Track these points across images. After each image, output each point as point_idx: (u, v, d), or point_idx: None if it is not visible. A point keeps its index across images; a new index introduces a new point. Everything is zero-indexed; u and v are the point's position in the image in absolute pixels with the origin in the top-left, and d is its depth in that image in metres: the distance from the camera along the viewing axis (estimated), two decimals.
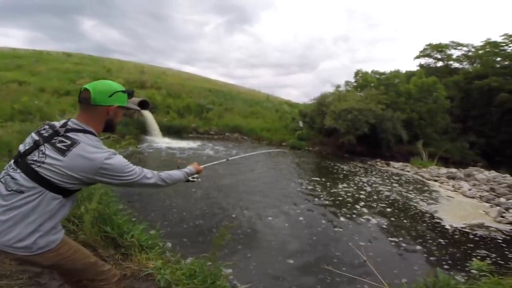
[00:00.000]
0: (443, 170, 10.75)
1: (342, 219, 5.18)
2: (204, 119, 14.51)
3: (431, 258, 4.04)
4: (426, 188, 8.66)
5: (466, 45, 19.47)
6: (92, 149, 1.12)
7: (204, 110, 14.96)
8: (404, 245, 4.40)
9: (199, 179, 1.68)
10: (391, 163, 12.38)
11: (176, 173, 1.48)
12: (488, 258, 4.05)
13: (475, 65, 18.69)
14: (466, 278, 2.64)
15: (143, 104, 11.65)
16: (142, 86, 15.08)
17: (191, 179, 1.64)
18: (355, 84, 16.25)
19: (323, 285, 3.01)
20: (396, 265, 3.71)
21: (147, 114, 11.76)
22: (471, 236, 4.94)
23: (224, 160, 2.18)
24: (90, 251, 2.44)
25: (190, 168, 1.62)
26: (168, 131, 12.46)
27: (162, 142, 10.94)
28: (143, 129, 11.69)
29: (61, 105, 10.17)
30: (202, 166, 1.70)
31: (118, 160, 1.18)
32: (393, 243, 4.44)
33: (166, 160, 8.42)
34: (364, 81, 15.68)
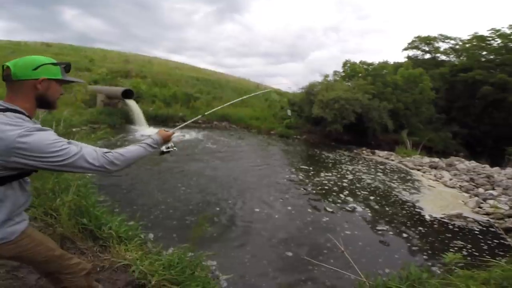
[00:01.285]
0: (426, 159, 11.05)
1: (327, 208, 5.27)
2: (191, 108, 14.29)
3: (411, 249, 4.17)
4: (409, 177, 8.90)
5: (454, 39, 19.87)
6: (4, 127, 0.99)
7: (191, 99, 14.71)
8: (384, 234, 4.53)
9: (175, 148, 1.46)
10: (377, 151, 12.63)
11: (133, 149, 1.25)
12: (464, 249, 4.20)
13: (461, 58, 19.12)
14: (442, 270, 2.72)
15: (127, 93, 11.38)
16: (126, 76, 14.65)
17: (165, 150, 1.42)
18: (343, 74, 16.31)
19: (303, 276, 3.06)
20: (375, 256, 3.81)
21: (131, 103, 11.45)
22: (450, 227, 5.08)
23: (200, 116, 2.05)
24: (69, 244, 2.41)
25: (154, 137, 1.37)
26: (154, 120, 12.22)
27: (147, 131, 10.72)
28: (128, 119, 11.42)
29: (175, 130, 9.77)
30: (172, 131, 1.47)
31: (39, 137, 1.01)
32: (374, 233, 4.56)
33: None
34: (352, 71, 15.76)
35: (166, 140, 1.42)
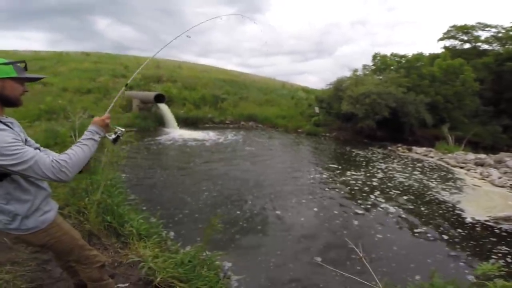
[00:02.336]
0: (471, 155, 10.03)
1: (356, 210, 4.99)
2: (219, 109, 14.64)
3: (447, 254, 3.80)
4: (450, 175, 8.16)
5: (495, 26, 17.84)
6: None
7: (219, 100, 15.06)
8: (420, 238, 4.18)
9: (123, 130, 1.41)
10: (414, 148, 11.77)
11: (77, 150, 1.20)
12: (509, 256, 3.74)
13: (506, 46, 17.13)
14: (477, 280, 2.45)
15: (159, 98, 12.02)
16: (158, 81, 15.45)
17: (114, 137, 1.38)
18: (374, 67, 15.47)
19: (320, 283, 2.92)
20: (408, 261, 3.54)
21: (163, 107, 12.06)
22: (496, 231, 4.54)
23: (181, 34, 1.97)
24: (95, 240, 2.61)
25: (90, 128, 1.30)
26: (185, 122, 12.74)
27: (179, 133, 11.20)
28: (161, 122, 12.02)
29: (83, 102, 10.71)
30: (105, 114, 1.37)
31: None
32: (408, 237, 4.24)
33: (181, 149, 8.62)
34: (383, 64, 14.88)
35: (104, 125, 1.34)
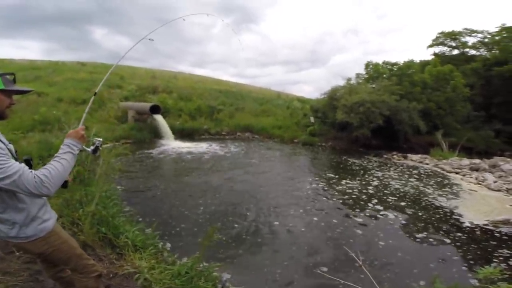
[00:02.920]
0: (466, 161, 10.15)
1: (355, 218, 4.97)
2: (215, 120, 14.64)
3: (449, 259, 3.79)
4: (446, 181, 8.21)
5: (481, 32, 18.53)
6: None
7: (215, 111, 15.09)
8: (420, 244, 4.17)
9: (100, 140, 1.41)
10: (409, 155, 11.88)
11: (56, 165, 1.19)
12: (511, 259, 3.74)
13: (493, 51, 17.70)
14: (480, 284, 2.43)
15: (155, 109, 12.01)
16: (154, 91, 15.46)
17: (92, 148, 1.37)
18: (366, 76, 15.75)
19: None
20: (411, 267, 3.52)
21: (159, 118, 12.03)
22: (495, 234, 4.56)
23: (143, 38, 1.98)
24: (89, 251, 2.54)
25: (66, 141, 1.28)
26: (181, 133, 12.68)
27: (175, 144, 11.14)
28: (156, 133, 11.96)
29: (78, 113, 10.60)
30: (79, 126, 1.36)
31: None
32: (409, 243, 4.22)
33: (176, 161, 8.56)
34: (375, 72, 15.17)
35: (79, 137, 1.32)
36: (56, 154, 1.25)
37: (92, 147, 1.41)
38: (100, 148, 1.45)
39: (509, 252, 3.95)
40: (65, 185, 1.42)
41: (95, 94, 1.73)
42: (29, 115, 9.14)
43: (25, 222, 1.25)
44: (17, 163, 1.12)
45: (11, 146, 1.27)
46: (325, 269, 3.29)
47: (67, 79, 14.38)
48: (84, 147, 1.37)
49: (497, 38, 17.24)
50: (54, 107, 10.61)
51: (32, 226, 1.28)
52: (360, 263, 2.09)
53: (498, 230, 4.73)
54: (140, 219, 3.96)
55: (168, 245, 3.24)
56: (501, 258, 3.76)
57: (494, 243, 4.26)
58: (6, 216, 1.22)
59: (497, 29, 17.30)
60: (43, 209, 1.34)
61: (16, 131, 7.10)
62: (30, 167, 1.31)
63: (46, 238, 1.33)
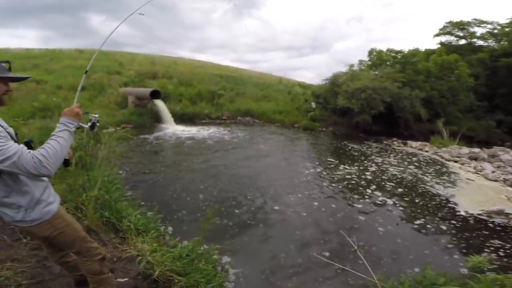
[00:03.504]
0: (465, 149, 10.17)
1: (354, 204, 5.07)
2: (216, 105, 14.58)
3: (442, 247, 3.89)
4: (444, 169, 8.28)
5: (491, 23, 18.02)
6: None
7: (215, 96, 14.99)
8: (415, 231, 4.27)
9: (96, 116, 1.42)
10: (409, 142, 11.91)
11: (53, 144, 1.19)
12: (501, 250, 3.83)
13: (501, 42, 17.30)
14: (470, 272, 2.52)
15: (155, 94, 11.92)
16: (154, 77, 15.28)
17: (90, 125, 1.39)
18: (370, 63, 15.51)
19: (318, 276, 2.97)
20: (406, 253, 3.62)
21: (159, 103, 11.97)
22: (489, 224, 4.65)
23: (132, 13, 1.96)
24: (93, 236, 2.62)
25: (62, 120, 1.28)
26: (182, 118, 12.66)
27: (175, 129, 11.17)
28: (157, 118, 11.95)
29: (78, 99, 10.56)
30: (74, 104, 1.36)
31: None
32: (404, 230, 4.32)
33: (177, 145, 8.61)
34: (378, 59, 14.93)
35: (74, 115, 1.32)
36: (52, 133, 1.24)
37: (89, 124, 1.42)
38: (98, 124, 1.46)
39: (500, 242, 4.04)
40: (66, 163, 1.45)
41: (86, 72, 1.73)
42: (29, 102, 9.10)
43: (30, 205, 1.27)
44: (16, 144, 1.13)
45: (10, 129, 1.29)
46: (324, 253, 3.40)
47: (65, 67, 14.15)
48: (80, 124, 1.38)
49: (507, 29, 16.85)
50: (53, 94, 10.54)
51: (37, 209, 1.30)
52: (356, 247, 2.16)
53: (491, 220, 4.81)
54: (142, 203, 4.04)
55: (170, 228, 3.33)
56: (492, 248, 3.85)
57: (487, 233, 4.35)
58: (11, 200, 1.24)
59: (507, 21, 16.89)
60: (47, 192, 1.36)
61: (16, 118, 7.10)
62: (31, 149, 1.34)
63: (51, 221, 1.35)
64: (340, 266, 2.49)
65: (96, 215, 2.63)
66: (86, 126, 1.43)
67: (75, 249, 1.51)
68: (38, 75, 12.29)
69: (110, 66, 15.22)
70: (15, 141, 1.26)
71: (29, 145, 1.35)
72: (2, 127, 1.20)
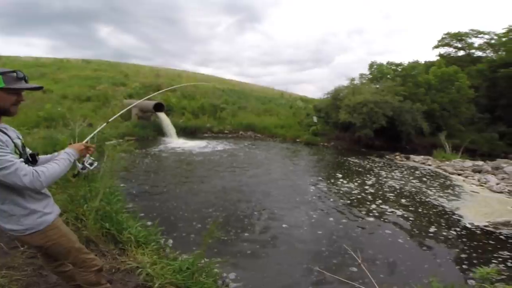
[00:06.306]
0: (468, 163, 10.09)
1: (357, 218, 4.99)
2: (218, 118, 14.70)
3: (446, 261, 3.79)
4: (448, 182, 8.18)
5: (488, 33, 18.32)
6: None
7: (218, 109, 15.15)
8: (421, 244, 4.18)
9: (95, 162, 1.49)
10: (411, 156, 11.84)
11: (53, 166, 1.28)
12: (510, 260, 3.74)
13: (499, 53, 17.50)
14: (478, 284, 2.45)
15: (158, 107, 12.08)
16: (158, 89, 15.53)
17: (80, 169, 1.45)
18: (370, 76, 15.70)
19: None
20: (406, 268, 3.53)
21: (162, 116, 12.11)
22: (495, 236, 4.55)
23: (105, 124, 2.06)
24: (92, 246, 2.59)
25: (68, 150, 1.39)
26: (184, 131, 12.75)
27: (177, 142, 11.21)
28: (159, 131, 12.04)
29: (82, 110, 10.73)
30: (84, 141, 1.47)
31: None
32: (409, 243, 4.22)
33: (179, 159, 8.61)
34: (379, 72, 15.12)
35: (80, 151, 1.41)
36: (55, 158, 1.35)
37: (81, 165, 1.50)
38: (89, 168, 1.53)
39: (508, 253, 3.95)
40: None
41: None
42: (34, 111, 9.25)
43: (22, 215, 1.26)
44: (14, 156, 1.16)
45: (18, 141, 1.30)
46: (326, 268, 3.31)
47: (71, 77, 14.49)
48: (77, 161, 1.48)
49: (504, 39, 17.07)
50: (58, 104, 10.73)
51: (31, 219, 1.28)
52: (360, 261, 2.11)
53: (498, 231, 4.72)
54: (143, 215, 4.01)
55: (170, 241, 3.28)
56: (500, 259, 3.76)
57: (494, 244, 4.26)
58: (3, 208, 1.24)
59: (504, 30, 17.13)
60: (44, 203, 1.35)
61: (21, 127, 7.19)
62: (36, 162, 1.35)
63: (45, 231, 1.33)
64: (344, 280, 2.42)
65: (97, 226, 2.61)
66: (80, 165, 1.51)
67: (70, 260, 1.49)
68: (45, 84, 12.51)
69: (116, 78, 15.53)
70: (22, 153, 1.28)
71: (34, 158, 1.37)
72: (10, 137, 1.22)
